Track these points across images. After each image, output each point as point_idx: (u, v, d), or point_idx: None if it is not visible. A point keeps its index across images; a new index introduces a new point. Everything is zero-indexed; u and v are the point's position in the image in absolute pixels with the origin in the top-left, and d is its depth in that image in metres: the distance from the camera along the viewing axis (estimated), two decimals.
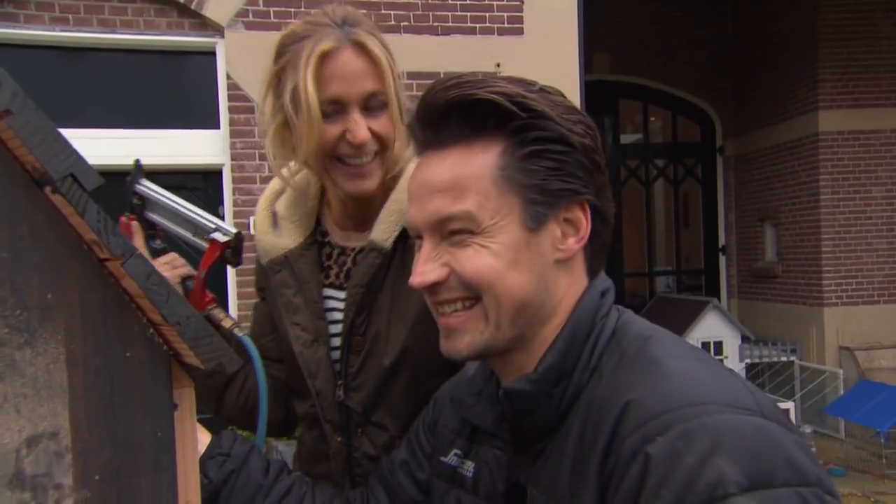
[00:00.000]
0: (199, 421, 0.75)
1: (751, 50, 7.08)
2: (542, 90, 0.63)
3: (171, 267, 1.03)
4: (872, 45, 6.00)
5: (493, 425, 0.68)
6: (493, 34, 3.75)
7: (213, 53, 3.60)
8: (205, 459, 0.75)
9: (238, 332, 0.96)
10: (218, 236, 1.00)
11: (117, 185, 3.55)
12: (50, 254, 0.46)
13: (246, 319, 1.27)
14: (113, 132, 3.51)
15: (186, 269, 1.03)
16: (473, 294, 0.62)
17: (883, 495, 4.28)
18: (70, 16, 3.49)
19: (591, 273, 0.67)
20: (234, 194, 3.51)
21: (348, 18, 0.93)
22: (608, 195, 0.66)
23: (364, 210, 1.01)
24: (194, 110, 3.63)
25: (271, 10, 3.55)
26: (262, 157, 3.54)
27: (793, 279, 6.49)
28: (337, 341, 1.01)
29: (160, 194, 1.07)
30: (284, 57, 0.93)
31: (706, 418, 0.50)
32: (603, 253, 0.68)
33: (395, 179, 1.00)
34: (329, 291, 1.04)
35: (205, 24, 3.54)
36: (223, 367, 0.53)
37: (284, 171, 1.03)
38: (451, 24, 3.70)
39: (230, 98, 3.51)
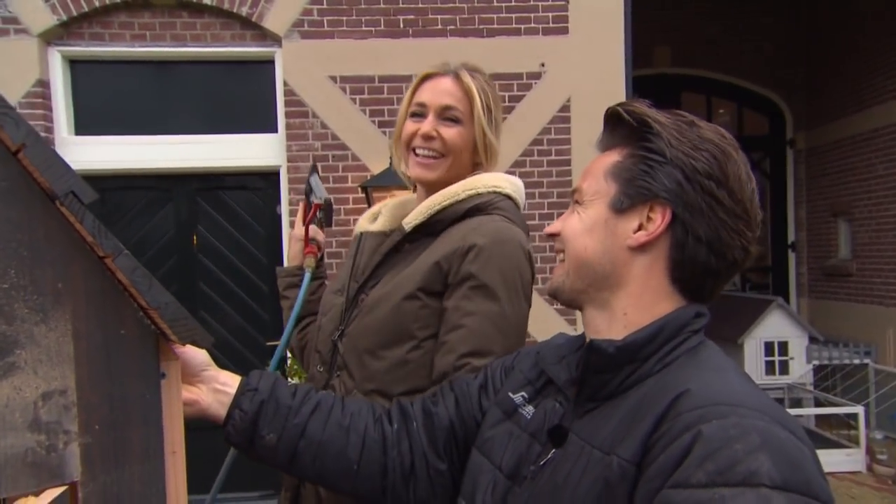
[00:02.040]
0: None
1: (824, 36, 6.74)
2: (691, 123, 0.76)
3: (313, 231, 1.38)
4: None
5: (564, 384, 0.80)
6: (539, 34, 3.78)
7: (271, 62, 3.83)
8: (238, 396, 0.88)
9: (306, 269, 1.31)
10: (313, 198, 1.37)
11: (188, 185, 3.87)
12: (61, 252, 0.59)
13: None
14: (184, 137, 3.81)
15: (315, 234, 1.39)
16: (565, 249, 0.80)
17: None
18: (147, 32, 3.80)
19: (682, 286, 0.75)
20: (289, 194, 3.73)
21: (464, 65, 1.22)
22: (713, 222, 0.72)
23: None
24: (255, 115, 3.88)
25: (325, 19, 3.74)
26: (316, 159, 3.74)
27: (868, 277, 6.14)
28: None
29: (315, 181, 1.44)
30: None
31: (758, 422, 0.58)
32: (700, 275, 0.74)
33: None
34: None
35: (264, 35, 3.77)
36: (198, 345, 0.65)
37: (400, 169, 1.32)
38: (496, 25, 3.77)
39: (287, 104, 3.72)
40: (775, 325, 5.44)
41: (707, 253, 0.73)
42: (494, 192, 1.17)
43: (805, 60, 7.01)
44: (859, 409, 4.69)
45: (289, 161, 3.71)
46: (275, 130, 3.83)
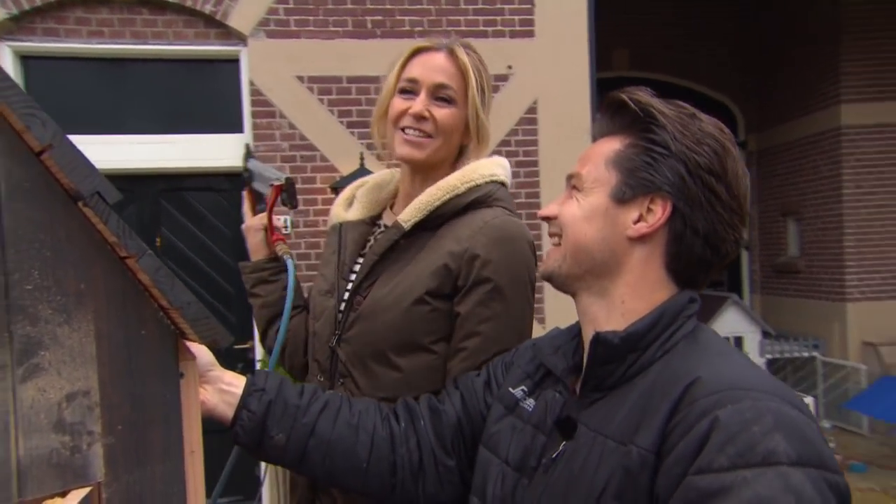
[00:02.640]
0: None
1: (774, 43, 7.03)
2: (693, 115, 0.77)
3: (259, 220, 1.30)
4: (895, 38, 5.92)
5: (562, 373, 0.82)
6: (505, 37, 3.84)
7: (237, 61, 3.77)
8: (245, 397, 0.87)
9: (285, 256, 1.22)
10: (274, 181, 1.28)
11: (150, 186, 3.77)
12: (82, 253, 0.59)
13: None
14: (146, 137, 3.72)
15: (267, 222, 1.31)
16: (561, 234, 0.81)
17: None
18: (105, 29, 3.69)
19: (676, 275, 0.77)
20: None
21: (459, 40, 1.15)
22: (710, 216, 0.74)
23: (418, 190, 1.15)
24: (220, 115, 3.81)
25: (291, 18, 3.71)
26: (284, 160, 3.70)
27: (816, 274, 6.44)
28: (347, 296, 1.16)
29: (257, 165, 1.35)
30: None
31: (771, 403, 0.61)
32: (694, 266, 0.76)
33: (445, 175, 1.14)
34: (360, 261, 1.19)
35: (229, 34, 3.71)
36: (217, 344, 0.66)
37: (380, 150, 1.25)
38: (463, 27, 3.80)
39: (253, 103, 3.67)
40: (731, 321, 5.65)
41: (703, 246, 0.75)
42: (492, 182, 1.13)
43: (756, 66, 7.29)
44: (809, 400, 4.92)
45: None
46: (241, 131, 3.78)
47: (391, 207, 1.25)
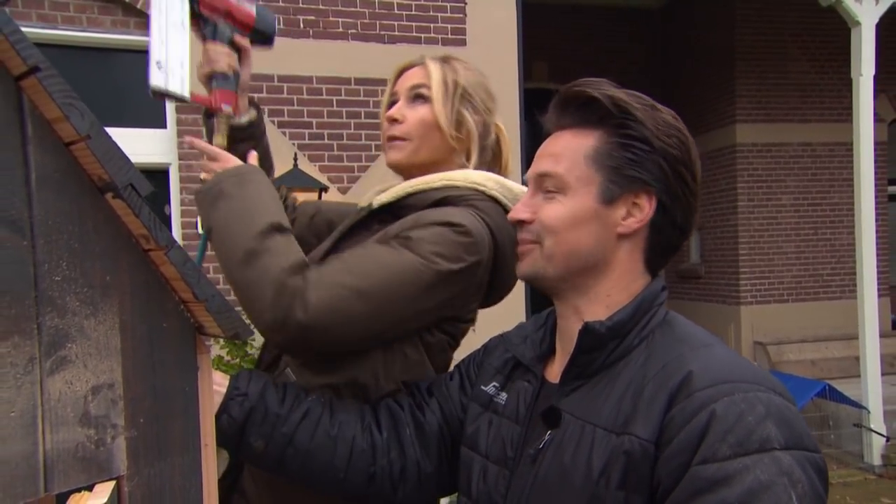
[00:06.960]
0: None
1: (677, 64, 7.55)
2: (653, 106, 0.79)
3: (226, 55, 1.23)
4: (781, 65, 6.54)
5: (530, 361, 0.84)
6: (438, 44, 3.91)
7: None
8: (227, 401, 0.86)
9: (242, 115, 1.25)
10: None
11: None
12: (108, 245, 0.59)
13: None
14: None
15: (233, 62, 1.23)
16: (539, 241, 0.79)
17: None
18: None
19: (650, 265, 0.80)
20: (181, 193, 3.54)
21: (439, 56, 1.18)
22: (685, 206, 0.78)
23: None
24: (140, 109, 3.63)
25: None
26: None
27: (714, 280, 6.97)
28: None
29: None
30: None
31: (759, 394, 0.66)
32: (665, 254, 0.80)
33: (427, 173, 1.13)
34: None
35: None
36: (239, 338, 0.67)
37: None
38: (397, 32, 3.84)
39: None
40: None
41: (678, 235, 0.79)
42: (474, 190, 1.08)
43: (661, 84, 7.79)
44: None
45: (180, 159, 3.52)
46: (163, 126, 3.62)
47: None
